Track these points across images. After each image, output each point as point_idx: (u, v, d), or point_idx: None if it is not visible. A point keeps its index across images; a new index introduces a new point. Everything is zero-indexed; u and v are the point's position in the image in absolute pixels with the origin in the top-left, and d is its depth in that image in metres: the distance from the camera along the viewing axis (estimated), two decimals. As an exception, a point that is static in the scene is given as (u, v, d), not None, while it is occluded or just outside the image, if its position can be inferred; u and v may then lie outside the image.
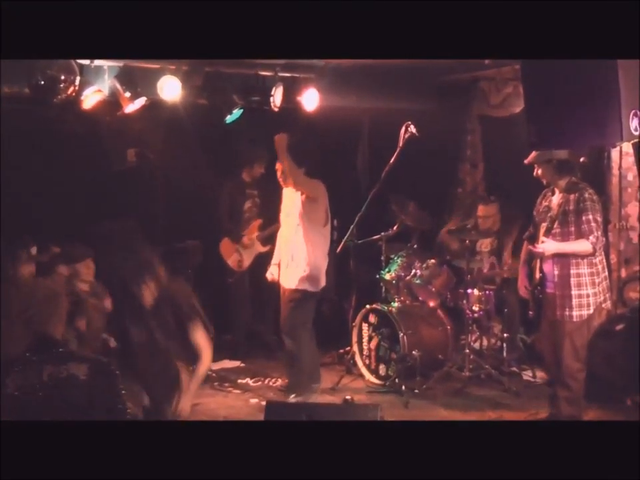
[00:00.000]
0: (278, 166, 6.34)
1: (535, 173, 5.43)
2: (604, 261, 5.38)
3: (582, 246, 5.19)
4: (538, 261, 5.45)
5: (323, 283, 6.35)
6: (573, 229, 5.25)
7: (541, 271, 5.42)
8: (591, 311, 5.30)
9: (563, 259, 5.28)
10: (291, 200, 6.34)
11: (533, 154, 5.33)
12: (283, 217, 6.49)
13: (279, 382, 6.96)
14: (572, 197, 5.25)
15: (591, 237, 5.14)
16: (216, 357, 6.27)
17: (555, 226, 5.28)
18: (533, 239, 5.68)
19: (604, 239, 5.27)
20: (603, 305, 5.39)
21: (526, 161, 5.40)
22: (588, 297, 5.25)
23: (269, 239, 7.49)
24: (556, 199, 5.40)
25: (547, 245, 5.22)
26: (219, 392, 6.40)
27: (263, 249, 7.74)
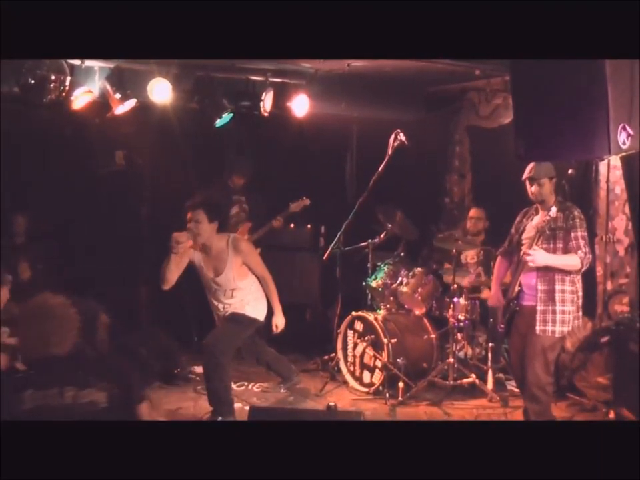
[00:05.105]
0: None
1: (529, 190, 5.38)
2: (580, 281, 5.40)
3: (571, 260, 5.20)
4: (516, 274, 5.44)
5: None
6: (560, 245, 5.27)
7: (520, 284, 5.44)
8: (570, 328, 5.35)
9: (547, 274, 5.28)
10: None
11: (532, 170, 5.31)
12: None
13: (265, 385, 7.00)
14: (560, 214, 5.25)
15: (579, 252, 5.17)
16: (199, 361, 6.27)
17: (540, 242, 5.27)
18: (507, 254, 5.74)
19: (590, 257, 5.28)
20: (578, 324, 5.45)
21: (524, 177, 5.37)
22: (570, 313, 5.29)
23: (260, 242, 7.49)
24: (540, 217, 5.40)
25: (538, 254, 5.19)
26: (202, 395, 6.37)
27: None
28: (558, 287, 5.27)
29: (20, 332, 3.18)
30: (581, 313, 5.43)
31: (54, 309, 3.19)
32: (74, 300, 3.27)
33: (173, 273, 5.75)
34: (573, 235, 5.23)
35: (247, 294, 5.99)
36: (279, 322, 6.08)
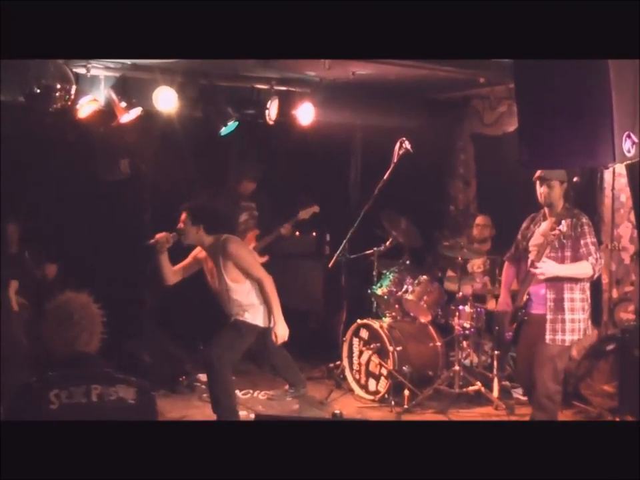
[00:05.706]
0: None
1: (538, 191, 5.32)
2: (589, 288, 5.35)
3: (582, 267, 5.15)
4: (525, 284, 5.39)
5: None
6: (569, 253, 5.20)
7: (528, 293, 5.37)
8: (581, 336, 5.30)
9: (557, 282, 5.21)
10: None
11: (543, 170, 5.22)
12: None
13: (271, 392, 7.00)
14: (567, 221, 5.19)
15: (590, 258, 5.12)
16: (204, 370, 6.27)
17: (548, 250, 5.22)
18: (514, 260, 5.69)
19: (602, 262, 5.24)
20: (588, 332, 5.39)
21: (534, 177, 5.31)
22: (580, 322, 5.23)
23: (267, 249, 7.48)
24: (548, 223, 5.35)
25: (547, 266, 5.14)
26: (207, 404, 6.36)
27: (261, 260, 7.69)
28: (567, 295, 5.22)
29: (46, 333, 3.17)
30: (590, 322, 5.40)
31: (79, 308, 3.19)
32: (96, 297, 3.27)
33: (169, 272, 5.89)
34: (582, 242, 5.16)
35: (245, 299, 5.86)
36: (280, 331, 5.77)
